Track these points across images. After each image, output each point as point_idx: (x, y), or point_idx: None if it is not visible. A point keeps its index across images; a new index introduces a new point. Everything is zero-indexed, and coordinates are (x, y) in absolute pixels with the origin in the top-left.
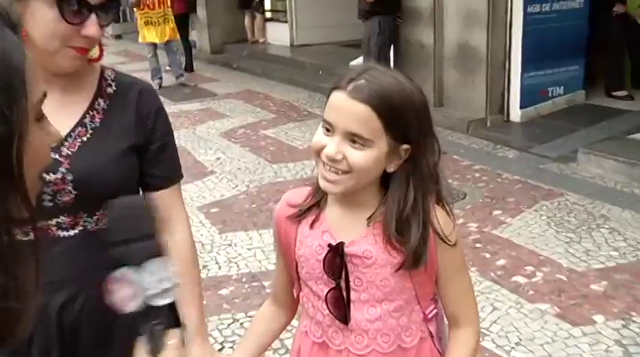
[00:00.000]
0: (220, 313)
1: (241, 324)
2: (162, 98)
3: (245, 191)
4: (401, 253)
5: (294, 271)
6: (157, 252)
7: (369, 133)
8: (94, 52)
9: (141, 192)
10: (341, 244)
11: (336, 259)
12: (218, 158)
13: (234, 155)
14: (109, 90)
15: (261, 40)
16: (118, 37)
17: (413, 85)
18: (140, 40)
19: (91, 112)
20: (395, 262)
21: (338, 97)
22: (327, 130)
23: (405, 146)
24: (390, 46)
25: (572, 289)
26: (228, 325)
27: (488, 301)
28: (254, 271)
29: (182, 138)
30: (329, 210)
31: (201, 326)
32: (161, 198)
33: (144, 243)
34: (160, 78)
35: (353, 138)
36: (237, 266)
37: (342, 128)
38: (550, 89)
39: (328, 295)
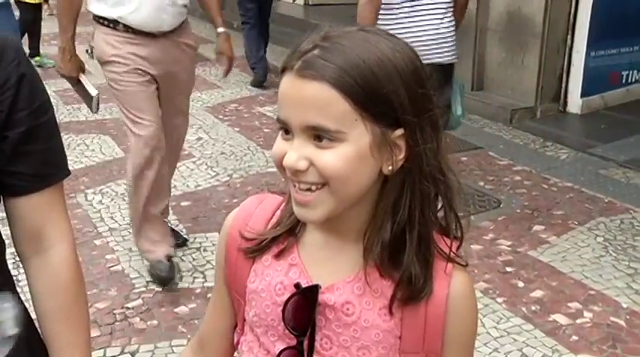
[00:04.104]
0: (173, 337)
1: None
2: None
3: (227, 182)
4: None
5: (239, 310)
6: None
7: (334, 121)
8: None
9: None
10: (315, 288)
11: (304, 309)
12: (199, 138)
13: (219, 136)
14: None
15: None
16: None
17: (395, 43)
18: None
19: None
20: (385, 326)
21: (285, 82)
22: (286, 131)
23: (399, 132)
24: None
25: (633, 339)
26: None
27: (515, 344)
28: None
29: None
30: (308, 236)
31: None
32: (30, 205)
33: None
34: None
35: (316, 134)
36: (204, 277)
37: (297, 124)
38: (624, 74)
39: (282, 356)
